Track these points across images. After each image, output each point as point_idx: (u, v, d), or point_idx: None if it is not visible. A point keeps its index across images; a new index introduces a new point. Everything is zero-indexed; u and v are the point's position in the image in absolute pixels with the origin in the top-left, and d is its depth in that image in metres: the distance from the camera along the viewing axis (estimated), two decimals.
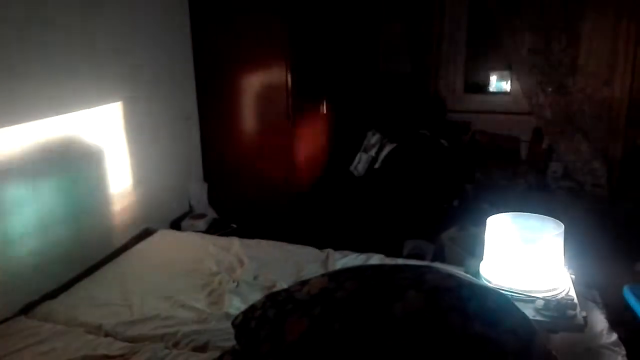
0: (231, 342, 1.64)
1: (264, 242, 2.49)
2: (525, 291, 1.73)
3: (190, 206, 3.14)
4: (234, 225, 3.02)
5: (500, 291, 1.25)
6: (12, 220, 1.92)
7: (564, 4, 3.52)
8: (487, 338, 0.99)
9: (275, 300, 1.22)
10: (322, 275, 1.28)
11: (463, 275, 1.28)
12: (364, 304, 1.07)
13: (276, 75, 2.98)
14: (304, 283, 1.25)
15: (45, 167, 2.07)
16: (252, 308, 1.27)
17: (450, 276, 1.18)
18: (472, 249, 2.69)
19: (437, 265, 2.15)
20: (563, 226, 1.82)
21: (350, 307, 1.08)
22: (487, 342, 0.99)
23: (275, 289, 2.02)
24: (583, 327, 1.58)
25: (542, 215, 1.95)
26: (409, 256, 2.90)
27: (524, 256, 1.81)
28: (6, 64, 1.85)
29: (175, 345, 1.69)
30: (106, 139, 2.42)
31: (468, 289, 1.12)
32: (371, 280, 1.15)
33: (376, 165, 3.51)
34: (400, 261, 2.26)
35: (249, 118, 3.15)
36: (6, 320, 1.83)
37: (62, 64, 2.11)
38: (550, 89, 3.62)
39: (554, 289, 1.75)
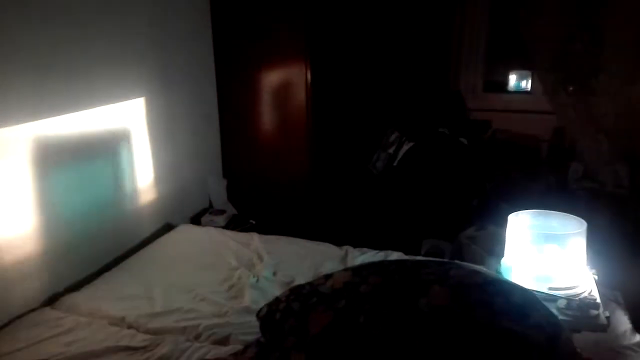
0: (252, 336, 1.66)
1: (282, 238, 2.50)
2: (547, 290, 1.72)
3: (210, 202, 3.18)
4: (253, 222, 3.04)
5: (525, 287, 1.24)
6: (40, 214, 1.96)
7: (588, 2, 3.47)
8: (513, 333, 0.99)
9: (300, 294, 1.23)
10: (345, 269, 1.28)
11: (487, 272, 1.27)
12: (389, 298, 1.08)
13: (296, 73, 2.99)
14: (327, 277, 1.26)
15: (71, 160, 2.11)
16: (276, 301, 1.28)
17: (475, 272, 1.18)
18: (491, 248, 2.68)
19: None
20: (585, 224, 1.80)
21: (375, 301, 1.08)
22: (513, 337, 0.98)
23: (293, 285, 2.04)
24: (606, 326, 1.56)
25: (564, 213, 1.93)
26: (427, 255, 2.88)
27: (546, 255, 1.80)
28: (37, 61, 1.89)
29: (197, 338, 1.71)
30: (129, 134, 2.45)
31: (494, 285, 1.12)
32: (395, 275, 1.16)
33: (395, 163, 3.50)
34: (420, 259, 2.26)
35: (268, 115, 3.17)
36: (32, 310, 1.87)
37: (89, 60, 2.14)
38: (572, 88, 3.57)
39: (576, 289, 1.73)
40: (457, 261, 1.56)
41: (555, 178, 3.70)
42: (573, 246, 1.78)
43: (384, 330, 1.02)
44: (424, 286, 1.09)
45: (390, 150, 3.55)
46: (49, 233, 2.01)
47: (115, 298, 1.94)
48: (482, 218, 3.12)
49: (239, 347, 1.61)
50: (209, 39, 3.08)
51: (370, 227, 3.15)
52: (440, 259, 1.97)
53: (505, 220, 1.94)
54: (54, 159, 2.02)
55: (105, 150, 2.31)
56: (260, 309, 1.32)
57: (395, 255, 2.25)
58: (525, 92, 4.25)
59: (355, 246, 2.38)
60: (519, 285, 1.18)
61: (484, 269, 1.39)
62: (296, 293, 1.25)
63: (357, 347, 1.01)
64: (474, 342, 0.97)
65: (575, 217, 1.87)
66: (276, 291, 2.00)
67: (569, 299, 1.64)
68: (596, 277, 1.85)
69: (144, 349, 1.63)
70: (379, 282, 1.13)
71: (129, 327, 1.78)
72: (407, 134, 3.54)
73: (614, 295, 1.94)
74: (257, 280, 2.08)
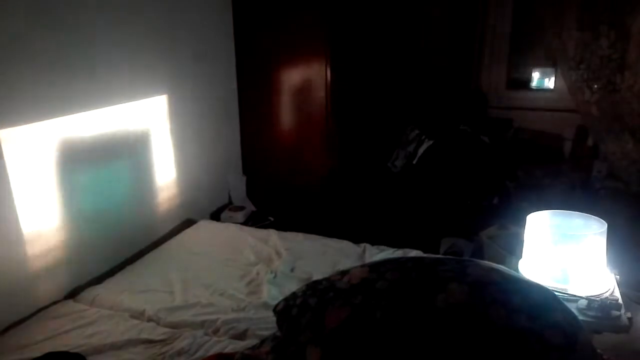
0: (269, 331, 1.68)
1: (300, 235, 2.51)
2: (567, 290, 1.69)
3: (230, 198, 3.20)
4: (271, 218, 3.06)
5: (544, 286, 1.22)
6: (64, 209, 2.00)
7: None
8: (530, 332, 0.98)
9: (316, 289, 1.23)
10: (362, 265, 1.29)
11: (506, 270, 1.26)
12: (406, 295, 1.08)
13: (316, 71, 2.99)
14: (344, 273, 1.26)
15: (95, 157, 2.15)
16: (293, 295, 1.29)
17: (493, 270, 1.16)
18: (512, 248, 2.64)
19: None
20: (606, 224, 1.77)
21: (392, 297, 1.08)
22: (530, 336, 0.97)
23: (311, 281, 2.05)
24: (628, 328, 1.53)
25: (584, 213, 1.90)
26: (446, 254, 2.86)
27: (566, 254, 1.77)
28: (62, 60, 1.93)
29: (215, 332, 1.73)
30: (151, 131, 2.48)
31: (512, 283, 1.11)
32: (412, 272, 1.16)
33: (414, 161, 3.48)
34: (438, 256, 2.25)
35: (288, 112, 3.18)
36: (55, 303, 1.92)
37: (112, 58, 2.18)
38: (597, 86, 3.51)
39: (597, 289, 1.71)
40: (474, 259, 1.55)
41: (579, 177, 3.64)
42: (593, 246, 1.75)
43: (400, 326, 1.02)
44: (442, 283, 1.08)
45: (410, 148, 3.53)
46: (73, 227, 2.05)
47: (136, 291, 1.98)
48: (503, 217, 3.09)
49: (256, 341, 1.62)
50: (231, 36, 3.10)
51: (388, 225, 3.14)
52: (458, 257, 1.96)
53: (526, 220, 1.92)
54: (78, 156, 2.06)
55: (127, 147, 2.34)
56: (277, 304, 1.33)
57: (413, 254, 2.24)
58: (548, 90, 4.17)
59: (373, 244, 2.38)
60: (538, 284, 1.17)
61: (502, 266, 1.38)
62: (313, 288, 1.25)
63: (373, 343, 1.01)
64: (491, 340, 0.97)
65: (595, 217, 1.84)
66: (294, 287, 2.00)
67: (590, 300, 1.61)
68: (618, 277, 1.82)
69: (163, 342, 1.66)
70: (395, 279, 1.13)
71: (149, 320, 1.81)
72: (427, 132, 3.52)
73: (636, 296, 1.91)
74: (275, 276, 2.09)
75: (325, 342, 1.06)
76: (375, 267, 1.21)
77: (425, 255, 2.23)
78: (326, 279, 1.29)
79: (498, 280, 1.11)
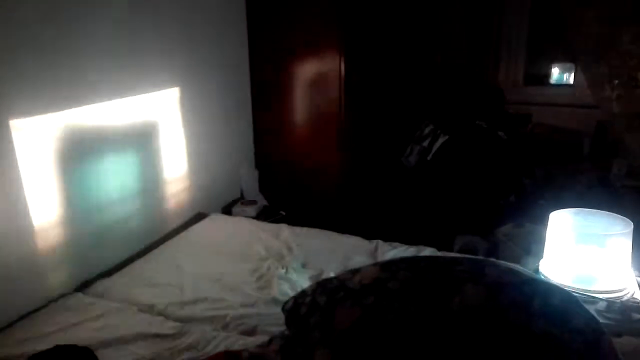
0: (279, 328, 1.65)
1: (312, 231, 2.48)
2: (587, 291, 1.64)
3: (242, 192, 3.18)
4: (283, 213, 3.03)
5: (565, 289, 1.17)
6: (73, 201, 1.99)
7: None
8: (551, 337, 0.93)
9: (326, 287, 1.19)
10: (374, 264, 1.24)
11: (524, 271, 1.21)
12: (420, 297, 1.03)
13: (330, 64, 2.96)
14: (354, 272, 1.22)
15: (106, 149, 2.13)
16: (302, 294, 1.25)
17: (511, 271, 1.12)
18: (529, 246, 2.59)
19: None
20: (632, 225, 1.72)
21: (405, 299, 1.04)
22: (550, 341, 0.92)
23: (322, 277, 2.02)
24: None
25: (608, 213, 1.84)
26: (461, 252, 2.82)
27: (588, 255, 1.72)
28: (73, 52, 1.92)
29: (224, 327, 1.71)
30: (163, 124, 2.47)
31: (531, 285, 1.06)
32: (426, 272, 1.11)
33: (429, 157, 3.43)
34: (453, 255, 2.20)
35: (301, 107, 3.15)
36: (64, 295, 1.91)
37: (123, 50, 2.16)
38: (617, 82, 3.42)
39: (618, 291, 1.65)
40: (492, 259, 1.50)
41: (597, 175, 3.56)
42: (617, 247, 1.70)
43: (414, 329, 0.98)
44: (457, 284, 1.04)
45: (425, 144, 3.48)
46: (82, 220, 2.04)
47: (145, 285, 1.96)
48: (519, 215, 3.03)
49: (265, 338, 1.60)
50: (244, 29, 3.07)
51: (402, 222, 3.10)
52: (474, 256, 1.90)
53: (544, 218, 1.87)
54: (89, 148, 2.04)
55: (139, 140, 2.32)
56: (286, 302, 1.30)
57: (427, 251, 2.20)
58: (567, 85, 4.09)
59: (386, 240, 2.34)
60: (558, 286, 1.12)
61: (520, 267, 1.33)
62: (323, 287, 1.21)
63: (384, 346, 0.97)
64: (509, 345, 0.92)
65: (621, 217, 1.79)
66: (305, 283, 1.98)
67: (610, 302, 1.57)
68: (639, 279, 1.76)
69: (172, 336, 1.64)
70: (408, 279, 1.08)
71: (159, 314, 1.79)
72: (442, 127, 3.46)
73: None
74: (286, 272, 2.07)
75: (335, 344, 1.02)
76: (388, 266, 1.17)
77: (439, 254, 2.18)
78: (336, 278, 1.25)
79: (516, 281, 1.06)
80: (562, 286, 1.37)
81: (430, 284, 1.05)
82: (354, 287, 1.13)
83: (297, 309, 1.21)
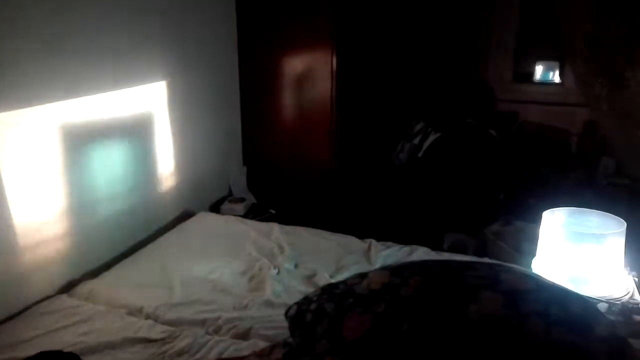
0: (272, 331, 1.60)
1: (304, 230, 2.44)
2: (585, 293, 1.62)
3: (230, 190, 3.12)
4: (273, 211, 2.98)
5: (581, 294, 1.14)
6: (59, 198, 1.91)
7: None
8: (575, 347, 0.89)
9: (333, 293, 1.14)
10: (382, 268, 1.19)
11: (539, 276, 1.17)
12: (435, 304, 0.99)
13: (321, 59, 2.91)
14: (362, 276, 1.17)
15: (90, 145, 2.05)
16: (306, 300, 1.19)
17: (526, 276, 1.08)
18: (517, 245, 2.58)
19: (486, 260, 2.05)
20: (625, 224, 1.71)
21: (419, 307, 0.99)
22: (574, 351, 0.89)
23: (315, 278, 1.98)
24: None
25: (601, 212, 1.83)
26: (450, 250, 2.80)
27: (583, 254, 1.71)
28: (61, 45, 1.85)
29: (217, 331, 1.65)
30: (149, 119, 2.39)
31: (548, 291, 1.02)
32: (440, 278, 1.06)
33: (419, 154, 3.41)
34: (446, 255, 2.17)
35: (291, 102, 3.10)
36: (48, 298, 1.83)
37: (110, 42, 2.08)
38: (606, 80, 3.44)
39: (617, 292, 1.64)
40: (505, 263, 1.46)
41: (585, 173, 3.58)
42: (611, 246, 1.69)
43: (430, 339, 0.93)
44: (473, 291, 0.99)
45: (415, 141, 3.45)
46: (67, 219, 1.96)
47: (133, 286, 1.89)
48: (508, 213, 3.02)
49: (259, 342, 1.55)
50: (233, 22, 3.01)
51: (392, 219, 3.07)
52: (489, 261, 1.87)
53: (532, 216, 1.86)
54: (73, 144, 1.96)
55: (124, 135, 2.25)
56: (289, 308, 1.24)
57: (421, 251, 2.17)
58: (555, 84, 4.10)
59: (377, 238, 2.30)
60: (574, 292, 1.09)
61: (535, 272, 1.30)
62: (329, 292, 1.16)
63: (399, 356, 0.93)
64: (530, 355, 0.88)
65: (614, 216, 1.78)
66: (297, 284, 1.94)
67: (610, 303, 1.55)
68: (637, 279, 1.75)
69: (162, 340, 1.58)
70: (421, 285, 1.04)
71: (147, 317, 1.73)
72: (433, 124, 3.44)
73: None
74: (278, 272, 2.02)
75: (345, 354, 0.97)
76: (397, 271, 1.12)
77: (432, 253, 2.15)
78: (343, 282, 1.20)
79: (533, 288, 1.02)
80: (578, 292, 1.34)
81: (445, 291, 1.01)
82: (362, 292, 1.08)
83: (301, 316, 1.15)
